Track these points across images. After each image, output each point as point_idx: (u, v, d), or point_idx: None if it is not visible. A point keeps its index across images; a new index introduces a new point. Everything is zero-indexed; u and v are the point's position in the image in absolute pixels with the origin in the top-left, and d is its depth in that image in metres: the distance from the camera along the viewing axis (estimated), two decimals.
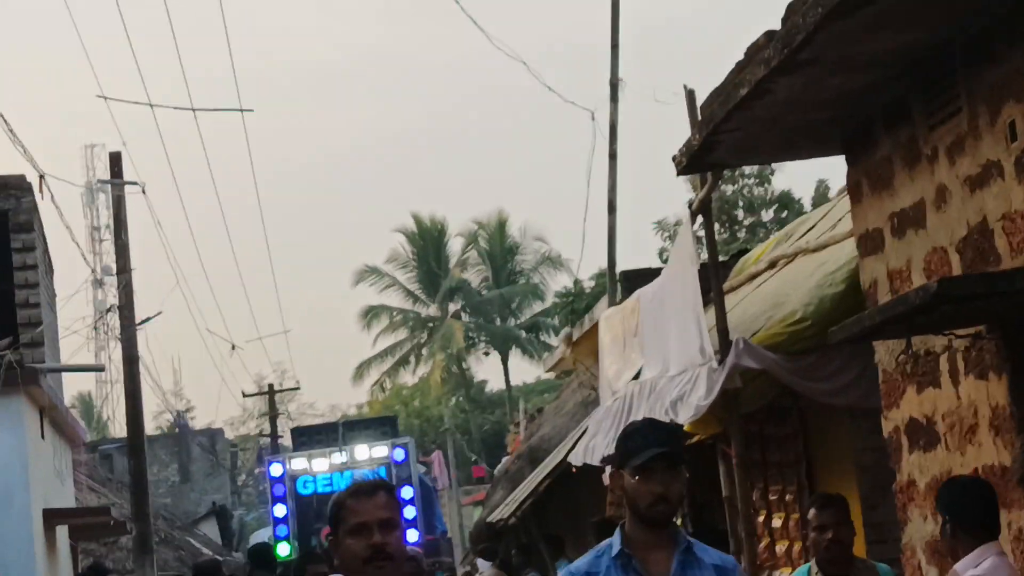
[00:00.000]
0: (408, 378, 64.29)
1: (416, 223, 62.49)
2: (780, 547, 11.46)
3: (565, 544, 19.23)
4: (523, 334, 62.04)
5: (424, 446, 52.37)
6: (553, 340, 61.55)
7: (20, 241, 20.21)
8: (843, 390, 10.30)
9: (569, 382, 26.43)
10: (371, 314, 62.08)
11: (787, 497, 11.44)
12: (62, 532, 20.25)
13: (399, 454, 28.70)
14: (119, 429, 50.84)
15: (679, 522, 13.42)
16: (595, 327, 16.01)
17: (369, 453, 28.80)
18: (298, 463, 28.92)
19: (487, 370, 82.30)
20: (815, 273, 11.00)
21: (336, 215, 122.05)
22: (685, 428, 10.74)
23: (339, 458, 28.76)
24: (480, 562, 18.51)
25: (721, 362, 10.44)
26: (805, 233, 13.29)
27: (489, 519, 21.39)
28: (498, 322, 62.61)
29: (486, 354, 63.23)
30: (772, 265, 12.98)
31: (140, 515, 22.41)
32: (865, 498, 10.43)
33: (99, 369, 20.04)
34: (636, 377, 12.90)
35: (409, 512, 28.32)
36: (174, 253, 70.47)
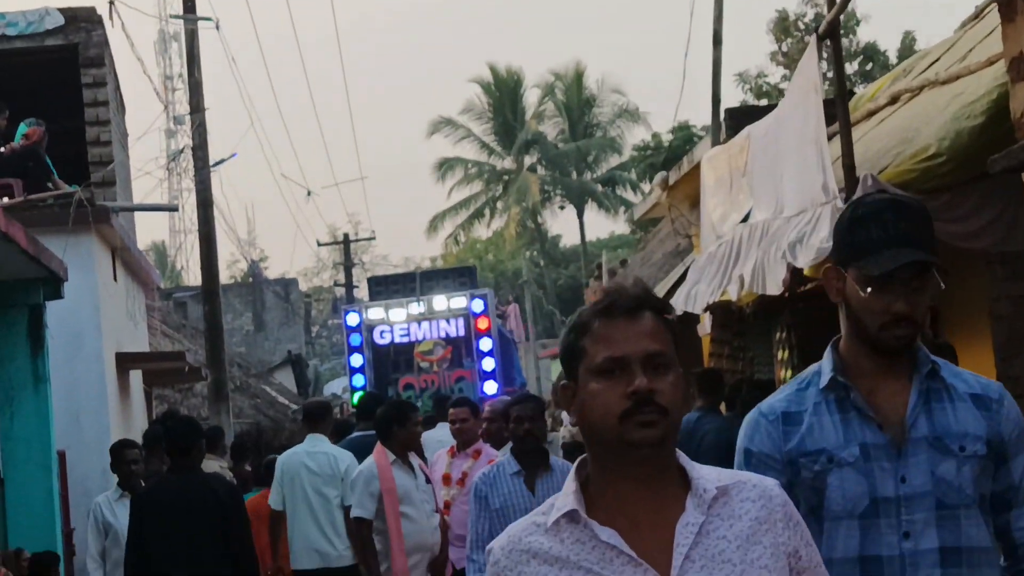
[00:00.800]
0: (482, 231, 63.63)
1: (492, 74, 61.34)
2: None
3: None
4: (599, 188, 61.06)
5: (500, 299, 51.71)
6: (630, 194, 60.54)
7: (91, 76, 19.46)
8: (979, 232, 9.39)
9: (656, 231, 25.54)
10: (446, 166, 61.24)
11: None
12: (136, 377, 19.74)
13: (477, 305, 27.98)
14: (193, 278, 50.49)
15: (788, 374, 12.70)
16: (694, 170, 15.11)
17: (447, 303, 28.11)
18: (375, 313, 28.28)
19: (561, 224, 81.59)
20: (949, 105, 10.03)
21: (413, 64, 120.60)
22: (805, 272, 9.88)
23: (416, 308, 28.09)
24: (566, 416, 17.82)
25: (847, 200, 9.53)
26: (928, 67, 12.28)
27: None
28: (574, 176, 61.62)
29: (561, 208, 62.39)
30: (894, 100, 11.98)
31: (215, 361, 21.87)
32: (999, 349, 9.61)
33: (172, 209, 19.37)
34: (745, 220, 12.02)
35: (488, 364, 27.72)
36: (249, 93, 69.49)
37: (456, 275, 30.07)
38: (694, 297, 12.85)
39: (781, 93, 53.76)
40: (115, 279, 18.44)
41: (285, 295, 44.61)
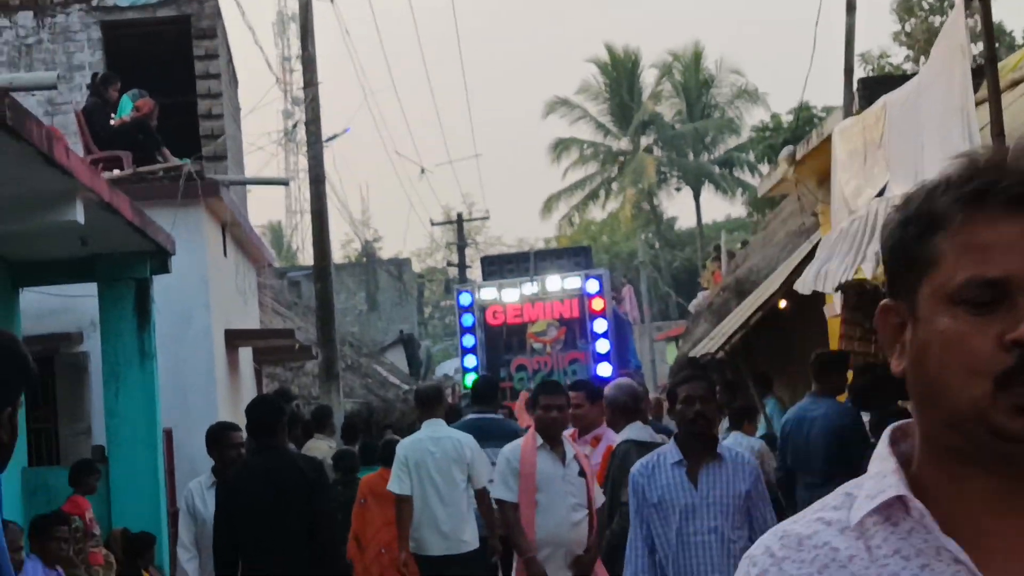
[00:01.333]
0: (597, 213, 62.97)
1: (609, 54, 60.59)
2: None
3: (773, 382, 17.90)
4: (716, 169, 60.12)
5: (614, 281, 51.05)
6: (748, 176, 59.56)
7: (203, 48, 19.16)
8: None
9: (778, 211, 24.84)
10: (561, 147, 60.64)
11: None
12: (245, 354, 19.44)
13: (592, 285, 27.41)
14: (308, 258, 50.39)
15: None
16: (824, 143, 14.43)
17: (561, 284, 27.57)
18: (487, 293, 27.81)
19: (677, 207, 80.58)
20: None
21: (529, 43, 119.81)
22: None
23: (530, 288, 27.59)
24: None
25: None
26: None
27: (692, 353, 20.05)
28: (691, 157, 60.76)
29: (678, 189, 61.56)
30: None
31: (326, 340, 21.52)
32: None
33: (283, 182, 19.00)
34: (880, 194, 11.36)
35: (602, 346, 27.15)
36: (363, 68, 69.29)
37: (571, 255, 29.51)
38: (824, 276, 12.19)
39: (904, 74, 52.63)
40: (225, 254, 18.13)
41: (398, 275, 44.30)
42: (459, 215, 43.00)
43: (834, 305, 15.09)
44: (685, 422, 7.12)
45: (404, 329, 39.63)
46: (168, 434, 15.04)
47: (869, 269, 10.87)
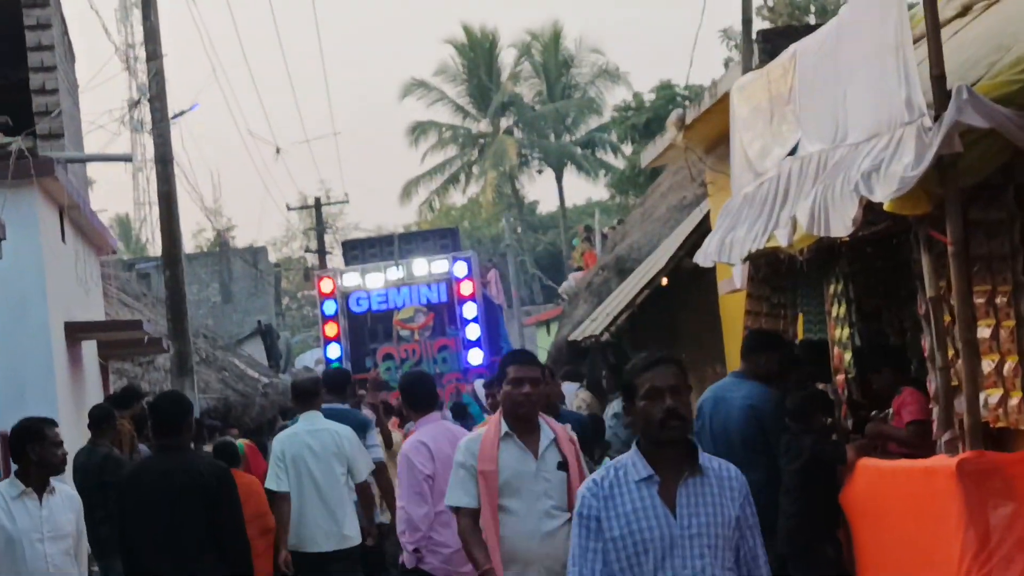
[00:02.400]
0: (458, 198, 61.70)
1: (466, 33, 59.30)
2: (987, 364, 8.87)
3: None
4: (578, 151, 59.16)
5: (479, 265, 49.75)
6: (611, 157, 58.64)
7: (34, 18, 17.52)
8: None
9: (656, 185, 23.81)
10: (419, 130, 59.26)
11: (997, 300, 8.82)
12: (89, 349, 17.87)
13: (460, 268, 26.24)
14: (158, 252, 48.57)
15: (845, 333, 10.94)
16: (718, 104, 13.31)
17: (428, 268, 26.36)
18: (350, 279, 26.50)
19: (538, 190, 79.24)
20: None
21: (386, 21, 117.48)
22: (885, 207, 8.11)
23: (395, 273, 26.35)
24: (566, 386, 16.08)
25: (936, 119, 7.76)
26: None
27: (572, 336, 18.88)
28: (552, 138, 59.71)
29: (539, 172, 60.50)
30: (966, 10, 10.20)
31: (178, 332, 20.01)
32: None
33: (126, 159, 17.44)
34: (792, 152, 10.25)
35: (473, 332, 25.97)
36: (212, 42, 67.05)
37: (437, 237, 28.26)
38: (730, 245, 11.05)
39: (808, 25, 51.84)
40: (63, 240, 16.57)
41: (254, 264, 42.67)
42: (317, 199, 41.37)
43: (732, 280, 13.97)
44: (653, 424, 5.21)
45: (262, 320, 38.03)
46: (3, 438, 13.53)
47: (784, 236, 9.74)
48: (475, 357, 25.87)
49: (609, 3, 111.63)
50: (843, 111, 9.24)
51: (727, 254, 11.13)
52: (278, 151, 30.53)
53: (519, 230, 60.52)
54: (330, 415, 11.46)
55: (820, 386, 10.55)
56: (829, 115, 9.62)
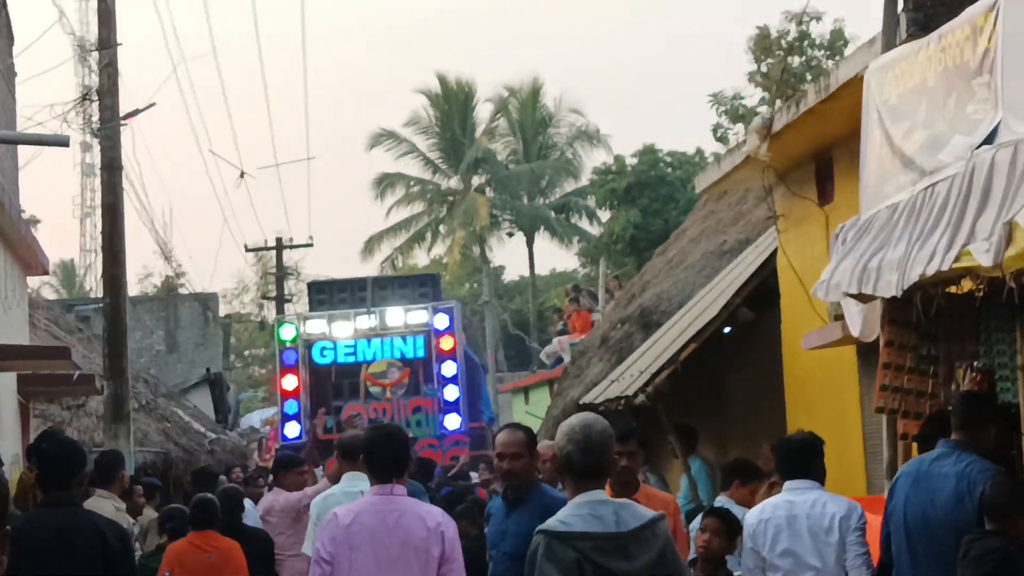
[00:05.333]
0: (422, 257, 58.51)
1: (441, 84, 56.32)
2: None
3: (698, 438, 13.80)
4: (552, 214, 56.22)
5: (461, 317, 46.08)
6: (586, 223, 55.72)
7: None
8: None
9: (681, 231, 20.89)
10: (386, 182, 56.10)
11: None
12: (7, 382, 14.71)
13: (441, 321, 23.22)
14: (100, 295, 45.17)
15: None
16: (826, 103, 10.38)
17: (404, 318, 23.33)
18: (315, 326, 23.43)
19: (505, 254, 75.94)
20: None
21: (360, 67, 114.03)
22: None
23: (367, 322, 23.30)
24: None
25: None
26: None
27: (585, 400, 15.85)
28: (525, 200, 56.76)
29: (510, 234, 57.38)
30: None
31: (115, 370, 16.88)
32: None
33: (62, 143, 14.40)
34: (988, 141, 7.32)
35: (451, 393, 22.92)
36: (175, 45, 63.78)
37: (416, 284, 25.19)
38: (877, 271, 8.05)
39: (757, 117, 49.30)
40: None
41: (203, 311, 39.41)
42: (278, 239, 38.01)
43: (828, 329, 10.99)
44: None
45: (211, 368, 34.72)
46: None
47: (987, 252, 6.78)
48: (452, 422, 22.85)
49: (591, 63, 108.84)
50: None
51: (871, 283, 8.11)
52: (242, 175, 27.24)
53: (485, 295, 57.47)
54: None
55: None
56: None
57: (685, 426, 13.68)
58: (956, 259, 7.17)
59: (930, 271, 7.36)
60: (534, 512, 7.54)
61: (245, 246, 38.60)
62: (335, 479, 10.80)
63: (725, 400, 14.52)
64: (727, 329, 13.29)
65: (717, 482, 12.44)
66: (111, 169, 17.10)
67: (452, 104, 55.97)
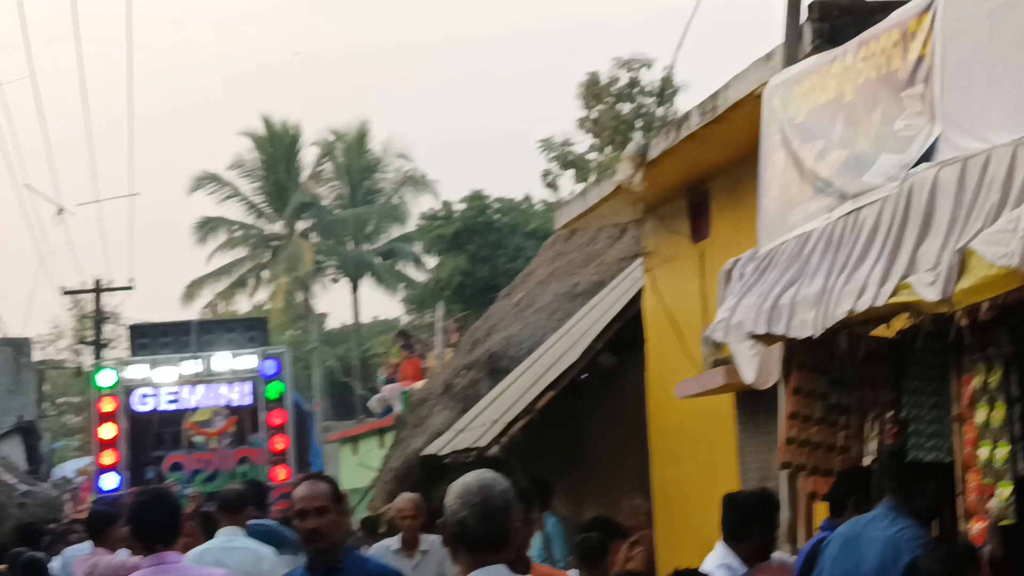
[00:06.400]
0: (243, 303, 56.91)
1: (266, 126, 54.97)
2: None
3: (552, 493, 12.83)
4: (378, 260, 55.12)
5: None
6: (412, 270, 54.74)
7: None
8: None
9: (527, 273, 19.98)
10: (208, 227, 54.49)
11: None
12: None
13: (269, 367, 21.89)
14: None
15: (1001, 454, 7.05)
16: (708, 128, 9.52)
17: (231, 363, 21.95)
18: (135, 371, 21.90)
19: (329, 302, 74.48)
20: None
21: (184, 115, 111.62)
22: None
23: (192, 367, 21.84)
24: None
25: None
26: None
27: (427, 452, 14.78)
28: (351, 245, 55.57)
29: (335, 281, 56.14)
30: None
31: None
32: None
33: None
34: (925, 159, 6.51)
35: (279, 443, 21.59)
36: None
37: (244, 328, 23.80)
38: (789, 310, 7.17)
39: (588, 164, 49.01)
40: None
41: (15, 356, 37.47)
42: (97, 282, 36.24)
43: (707, 377, 10.10)
44: None
45: (24, 415, 32.84)
46: None
47: (933, 286, 5.91)
48: (280, 474, 21.52)
49: (419, 109, 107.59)
50: None
51: (782, 323, 7.22)
52: (60, 211, 25.76)
53: (309, 342, 56.09)
54: (256, 533, 10.04)
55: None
56: (1012, 95, 5.93)
57: (539, 479, 12.72)
58: (893, 293, 6.31)
59: (860, 307, 6.49)
60: None
61: (62, 288, 36.89)
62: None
63: (583, 451, 13.60)
64: (584, 376, 12.40)
65: (573, 540, 11.51)
66: None
67: (277, 147, 54.69)
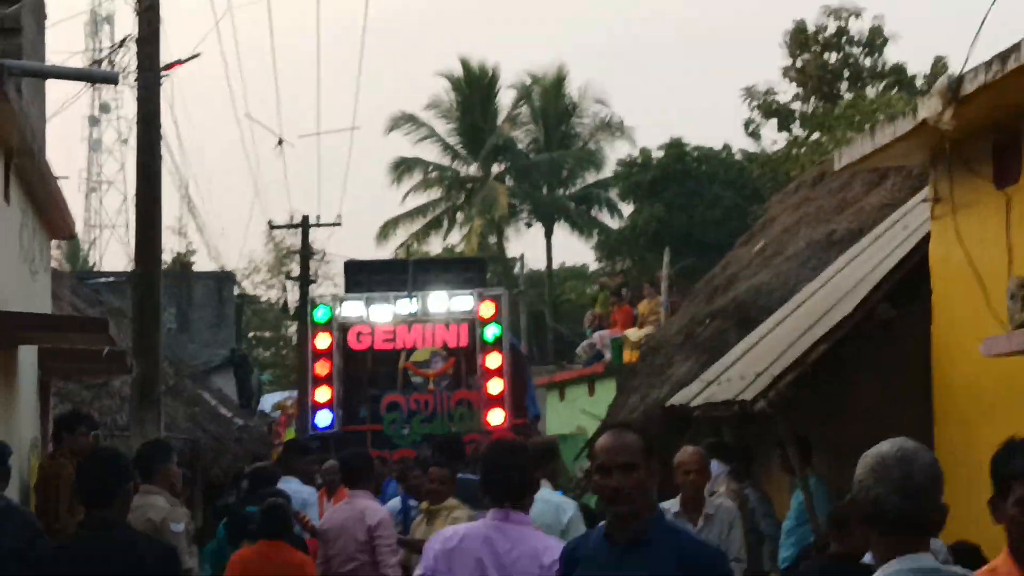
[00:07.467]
0: (436, 244, 56.65)
1: (464, 68, 54.56)
2: None
3: (812, 452, 12.07)
4: (573, 205, 54.47)
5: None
6: (606, 216, 53.94)
7: None
8: None
9: (768, 220, 19.11)
10: (403, 167, 54.33)
11: None
12: (28, 356, 12.94)
13: (487, 308, 21.43)
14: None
15: None
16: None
17: (448, 304, 21.54)
18: (352, 308, 21.65)
19: (521, 245, 74.09)
20: None
21: (383, 58, 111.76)
22: None
23: (407, 306, 21.51)
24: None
25: None
26: None
27: (672, 402, 14.10)
28: (545, 190, 55.00)
29: (528, 225, 55.65)
30: None
31: (145, 348, 15.11)
32: None
33: (111, 80, 12.67)
34: None
35: (495, 387, 21.12)
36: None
37: (460, 268, 23.42)
38: None
39: (792, 114, 47.73)
40: (6, 197, 11.64)
41: (218, 290, 37.54)
42: (304, 217, 36.04)
43: (1018, 336, 9.21)
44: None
45: (236, 348, 32.75)
46: None
47: None
48: (495, 417, 21.07)
49: (618, 54, 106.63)
50: None
51: None
52: (280, 142, 25.49)
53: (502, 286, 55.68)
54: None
55: None
56: None
57: (801, 438, 11.98)
58: None
59: None
60: (663, 560, 5.26)
61: (270, 223, 36.85)
62: None
63: (850, 407, 12.76)
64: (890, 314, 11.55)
65: (834, 502, 10.73)
66: (148, 124, 15.33)
67: (474, 89, 54.28)
